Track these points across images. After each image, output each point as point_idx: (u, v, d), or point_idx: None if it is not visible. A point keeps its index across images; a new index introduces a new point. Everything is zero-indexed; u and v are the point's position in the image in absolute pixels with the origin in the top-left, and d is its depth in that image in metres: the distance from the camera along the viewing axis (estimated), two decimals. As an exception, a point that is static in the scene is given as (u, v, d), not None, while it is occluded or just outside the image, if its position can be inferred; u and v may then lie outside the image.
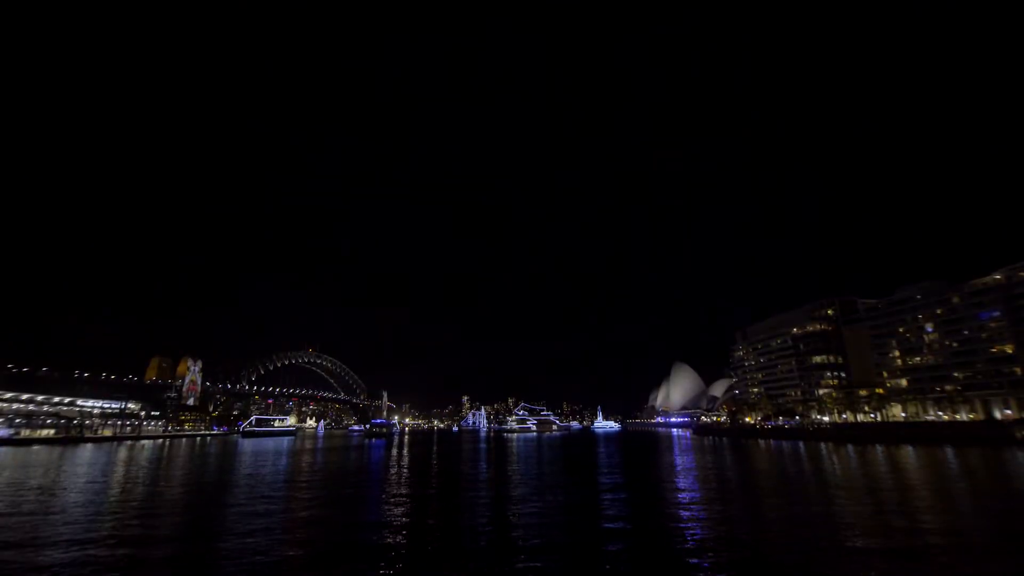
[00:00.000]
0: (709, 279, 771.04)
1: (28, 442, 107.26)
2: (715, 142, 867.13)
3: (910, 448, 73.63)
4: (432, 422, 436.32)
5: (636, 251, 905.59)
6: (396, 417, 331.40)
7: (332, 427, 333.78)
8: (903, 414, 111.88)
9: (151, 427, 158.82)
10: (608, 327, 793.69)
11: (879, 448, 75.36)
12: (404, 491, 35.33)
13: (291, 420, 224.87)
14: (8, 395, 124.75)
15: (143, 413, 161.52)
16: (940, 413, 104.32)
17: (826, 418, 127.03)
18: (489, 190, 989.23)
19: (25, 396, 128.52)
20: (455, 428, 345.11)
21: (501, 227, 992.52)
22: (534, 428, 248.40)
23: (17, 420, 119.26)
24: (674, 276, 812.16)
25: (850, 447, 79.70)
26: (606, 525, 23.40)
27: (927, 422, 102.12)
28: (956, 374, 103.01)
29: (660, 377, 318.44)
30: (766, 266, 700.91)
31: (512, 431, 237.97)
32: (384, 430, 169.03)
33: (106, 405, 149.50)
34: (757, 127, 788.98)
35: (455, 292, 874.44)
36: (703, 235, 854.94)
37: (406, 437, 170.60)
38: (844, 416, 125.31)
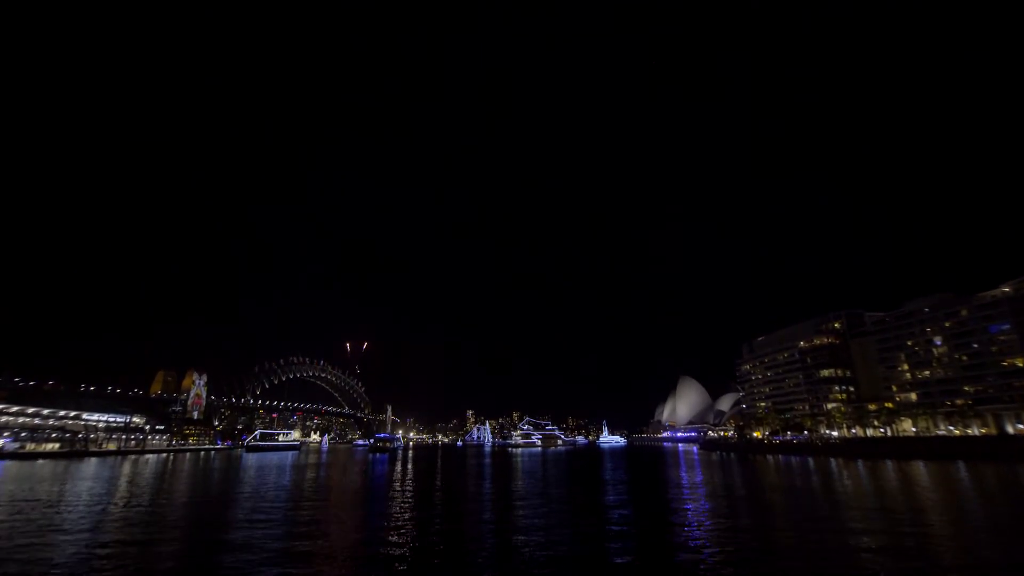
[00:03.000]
0: (715, 292, 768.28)
1: (33, 456, 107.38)
2: (721, 154, 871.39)
3: (921, 464, 72.37)
4: (436, 436, 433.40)
5: (642, 263, 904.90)
6: (400, 431, 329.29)
7: (336, 441, 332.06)
8: (913, 429, 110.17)
9: (155, 441, 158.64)
10: (614, 340, 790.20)
11: (890, 464, 74.11)
12: (407, 511, 35.06)
13: (295, 434, 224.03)
14: (14, 408, 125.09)
15: (148, 427, 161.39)
16: (951, 428, 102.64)
17: (835, 433, 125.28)
18: (493, 193, 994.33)
19: (31, 410, 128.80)
20: (459, 443, 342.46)
21: (503, 234, 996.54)
22: (539, 443, 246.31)
23: (23, 434, 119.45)
24: (680, 289, 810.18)
25: (860, 463, 78.41)
26: (613, 547, 23.10)
27: (938, 437, 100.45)
28: (967, 388, 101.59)
29: (666, 391, 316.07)
30: (771, 279, 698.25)
31: (516, 446, 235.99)
32: (388, 444, 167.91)
33: (111, 419, 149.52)
34: (762, 138, 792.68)
35: (459, 303, 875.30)
36: (709, 248, 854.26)
37: (410, 452, 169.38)
38: (853, 431, 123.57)
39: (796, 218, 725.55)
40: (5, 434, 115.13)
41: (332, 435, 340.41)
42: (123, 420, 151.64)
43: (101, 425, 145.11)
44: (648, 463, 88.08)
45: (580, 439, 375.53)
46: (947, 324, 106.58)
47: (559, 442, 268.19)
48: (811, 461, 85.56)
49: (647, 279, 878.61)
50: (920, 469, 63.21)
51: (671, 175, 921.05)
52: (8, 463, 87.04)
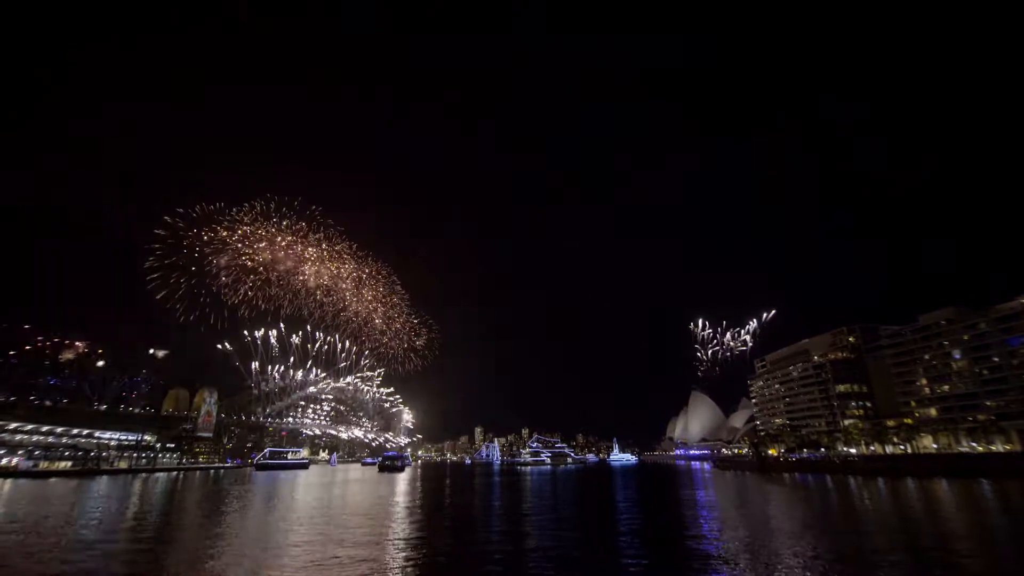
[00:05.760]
0: (726, 306, 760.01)
1: (46, 474, 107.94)
2: (728, 164, 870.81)
3: (944, 482, 70.31)
4: (445, 454, 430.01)
5: (649, 275, 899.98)
6: (408, 449, 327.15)
7: (345, 459, 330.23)
8: (934, 445, 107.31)
9: (166, 459, 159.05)
10: (623, 356, 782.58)
11: (911, 482, 72.11)
12: (416, 533, 34.87)
13: (304, 452, 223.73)
14: (29, 427, 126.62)
15: (159, 445, 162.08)
16: (974, 444, 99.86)
17: (853, 450, 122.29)
18: (499, 198, 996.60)
19: (45, 428, 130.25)
20: (468, 460, 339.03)
21: (507, 243, 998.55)
22: (548, 461, 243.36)
23: (36, 452, 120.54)
24: (690, 303, 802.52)
25: (880, 481, 76.36)
26: None
27: (960, 454, 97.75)
28: (988, 403, 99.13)
29: (678, 407, 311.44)
30: (784, 292, 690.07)
31: (526, 464, 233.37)
32: (397, 463, 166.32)
33: (123, 437, 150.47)
34: (766, 141, 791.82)
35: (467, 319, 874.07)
36: (718, 261, 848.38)
37: (419, 470, 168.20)
38: (872, 448, 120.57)
39: (807, 231, 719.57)
40: (20, 452, 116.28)
41: (341, 453, 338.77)
42: (135, 438, 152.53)
43: (113, 443, 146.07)
44: (662, 483, 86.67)
45: (591, 457, 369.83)
46: (965, 337, 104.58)
47: (569, 460, 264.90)
48: (829, 479, 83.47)
49: (655, 293, 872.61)
50: (944, 488, 61.44)
51: (679, 186, 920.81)
52: (23, 482, 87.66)
